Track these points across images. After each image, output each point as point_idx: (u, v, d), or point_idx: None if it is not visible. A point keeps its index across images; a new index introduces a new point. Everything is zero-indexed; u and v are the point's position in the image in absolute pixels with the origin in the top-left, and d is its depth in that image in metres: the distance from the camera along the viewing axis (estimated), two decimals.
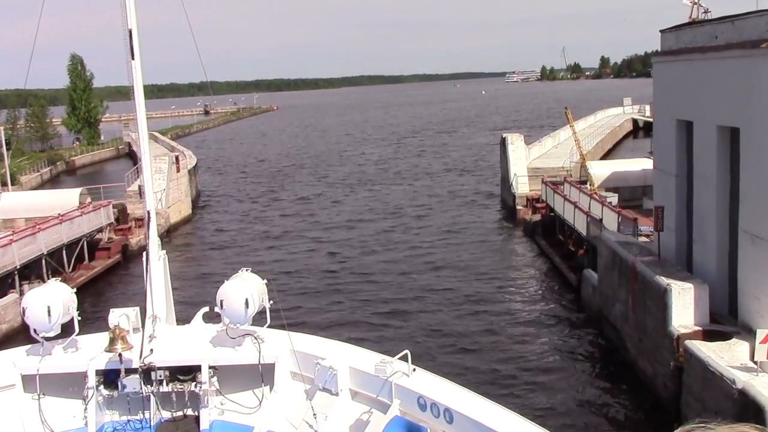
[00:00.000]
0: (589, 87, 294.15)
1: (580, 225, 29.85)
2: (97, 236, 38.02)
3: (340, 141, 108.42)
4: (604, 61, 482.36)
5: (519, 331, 25.93)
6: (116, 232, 40.44)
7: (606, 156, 68.68)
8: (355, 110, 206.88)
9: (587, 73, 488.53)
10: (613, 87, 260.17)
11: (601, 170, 40.51)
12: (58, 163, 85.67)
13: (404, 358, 9.06)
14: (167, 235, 44.14)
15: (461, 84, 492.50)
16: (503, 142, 47.26)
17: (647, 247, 22.42)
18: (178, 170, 48.36)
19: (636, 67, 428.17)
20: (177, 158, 48.97)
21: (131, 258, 39.09)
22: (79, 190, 42.41)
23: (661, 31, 22.58)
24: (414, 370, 9.07)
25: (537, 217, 39.43)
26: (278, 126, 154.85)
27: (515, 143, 46.14)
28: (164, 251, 10.77)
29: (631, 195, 39.35)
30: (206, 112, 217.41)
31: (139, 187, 49.82)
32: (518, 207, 43.01)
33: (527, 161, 47.88)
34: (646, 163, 40.18)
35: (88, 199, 42.67)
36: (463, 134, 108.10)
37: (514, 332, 25.90)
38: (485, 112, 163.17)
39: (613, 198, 36.17)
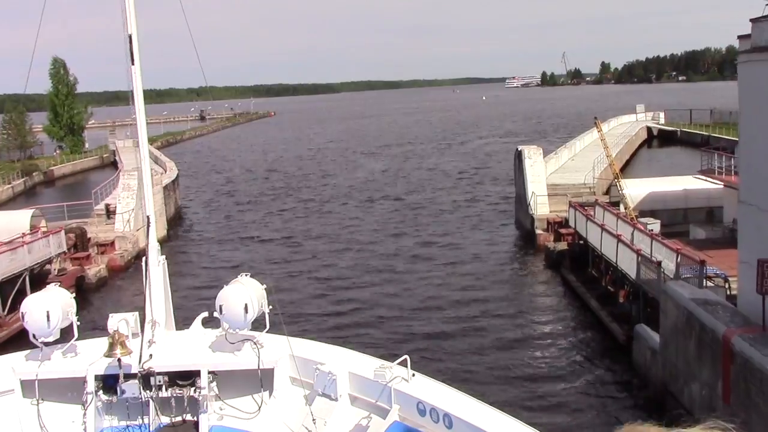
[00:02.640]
0: (590, 93, 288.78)
1: (626, 264, 24.15)
2: (47, 267, 32.35)
3: (336, 150, 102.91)
4: (605, 67, 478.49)
5: (550, 399, 20.41)
6: (72, 261, 34.76)
7: (624, 169, 63.14)
8: (352, 118, 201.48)
9: (588, 79, 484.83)
10: (617, 93, 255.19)
11: (636, 190, 34.95)
12: (34, 173, 79.91)
13: (403, 364, 9.00)
14: (134, 261, 38.43)
15: (461, 89, 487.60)
16: (519, 156, 41.61)
17: (738, 311, 16.76)
18: None
19: (637, 72, 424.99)
20: None
21: (89, 293, 33.33)
22: (30, 212, 36.57)
23: (753, 21, 17.00)
24: (413, 375, 8.99)
25: (562, 245, 33.76)
26: (273, 133, 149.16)
27: (533, 157, 40.45)
28: (164, 256, 10.61)
29: (671, 219, 33.89)
30: (202, 118, 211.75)
31: (106, 206, 44.31)
32: (538, 231, 37.31)
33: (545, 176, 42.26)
34: (688, 182, 34.74)
35: (42, 223, 37.03)
36: (465, 143, 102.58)
37: (543, 399, 20.37)
38: (488, 119, 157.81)
39: (655, 225, 30.68)
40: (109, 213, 42.13)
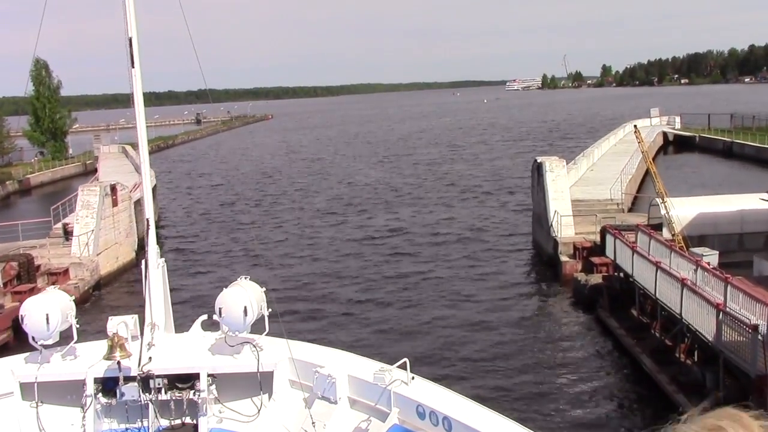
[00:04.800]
0: (594, 96, 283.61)
1: (697, 319, 18.62)
2: None
3: (331, 158, 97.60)
4: (606, 70, 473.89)
5: None
6: (13, 296, 29.28)
7: (644, 180, 57.68)
8: (351, 122, 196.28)
9: (589, 82, 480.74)
10: (621, 96, 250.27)
11: (681, 210, 29.51)
12: (8, 182, 74.47)
13: (403, 366, 8.89)
14: (93, 292, 32.96)
15: (461, 92, 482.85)
16: (538, 169, 36.19)
17: None
18: (114, 204, 37.21)
19: (639, 75, 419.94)
20: (113, 188, 37.70)
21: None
22: None
23: None
24: (413, 378, 8.90)
25: (596, 277, 28.30)
26: (270, 137, 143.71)
27: (555, 170, 34.97)
28: (163, 259, 10.57)
29: (723, 246, 28.40)
30: (198, 121, 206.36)
31: (64, 226, 38.66)
32: (563, 258, 31.85)
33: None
34: (746, 202, 29.32)
35: None
36: (467, 150, 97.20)
37: None
38: (490, 124, 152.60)
39: (712, 257, 25.26)
40: (68, 234, 36.69)
